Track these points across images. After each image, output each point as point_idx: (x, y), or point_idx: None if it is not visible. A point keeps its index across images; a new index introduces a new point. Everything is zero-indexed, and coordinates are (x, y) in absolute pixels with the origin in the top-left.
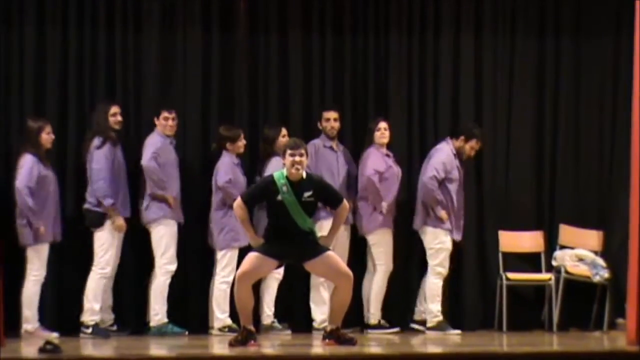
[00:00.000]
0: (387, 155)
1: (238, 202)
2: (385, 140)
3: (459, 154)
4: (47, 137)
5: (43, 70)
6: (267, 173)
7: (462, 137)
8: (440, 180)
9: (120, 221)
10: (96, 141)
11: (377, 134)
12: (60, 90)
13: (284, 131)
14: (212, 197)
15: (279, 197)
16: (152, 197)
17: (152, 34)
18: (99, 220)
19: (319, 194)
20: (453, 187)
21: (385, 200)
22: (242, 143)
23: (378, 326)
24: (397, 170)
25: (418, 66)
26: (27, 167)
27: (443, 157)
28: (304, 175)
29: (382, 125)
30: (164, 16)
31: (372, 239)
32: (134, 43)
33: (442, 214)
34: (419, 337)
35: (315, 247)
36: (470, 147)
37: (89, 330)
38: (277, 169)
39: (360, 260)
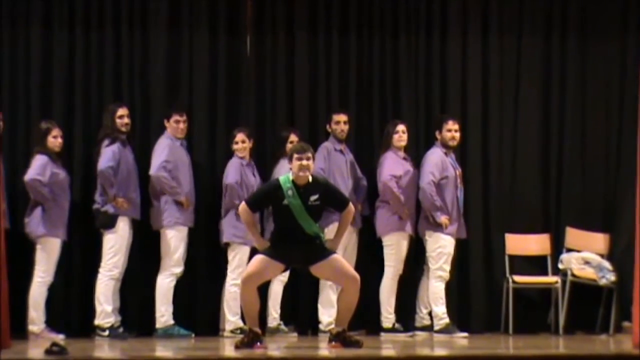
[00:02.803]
0: (405, 159)
1: (243, 206)
2: (403, 143)
3: (448, 148)
4: (53, 140)
5: (49, 71)
6: (275, 176)
7: (437, 130)
8: (437, 182)
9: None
10: (106, 142)
11: (395, 136)
12: (66, 92)
13: (292, 136)
14: (223, 199)
15: (285, 202)
16: (166, 202)
17: (159, 36)
18: (110, 221)
19: (324, 198)
20: (450, 185)
21: (407, 204)
22: (241, 145)
23: (392, 329)
24: (415, 174)
25: (425, 68)
26: (39, 164)
27: (435, 159)
28: (310, 179)
29: (400, 128)
30: (170, 18)
31: (386, 240)
32: (141, 45)
33: (442, 219)
34: (425, 340)
35: (322, 251)
36: (447, 130)
37: (106, 333)
38: (285, 172)
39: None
